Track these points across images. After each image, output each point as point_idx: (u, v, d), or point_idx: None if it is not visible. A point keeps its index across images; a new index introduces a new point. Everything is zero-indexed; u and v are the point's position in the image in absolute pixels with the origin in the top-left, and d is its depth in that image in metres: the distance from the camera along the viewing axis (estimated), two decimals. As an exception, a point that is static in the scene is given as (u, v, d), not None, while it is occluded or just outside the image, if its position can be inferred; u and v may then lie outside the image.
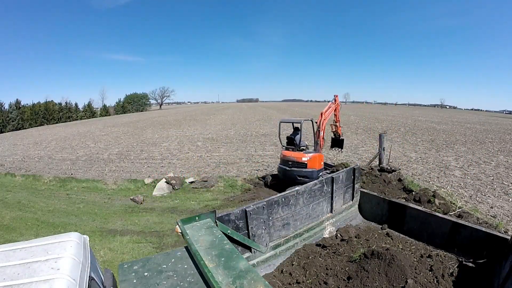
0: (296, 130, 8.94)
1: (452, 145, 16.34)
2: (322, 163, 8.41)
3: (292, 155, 8.33)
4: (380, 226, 5.30)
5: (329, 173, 8.14)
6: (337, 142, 10.59)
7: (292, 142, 8.77)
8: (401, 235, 4.90)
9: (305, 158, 8.05)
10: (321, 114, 8.70)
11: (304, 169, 8.11)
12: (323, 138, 8.74)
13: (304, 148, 8.69)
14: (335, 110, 9.42)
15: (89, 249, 2.30)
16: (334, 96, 9.42)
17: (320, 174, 8.14)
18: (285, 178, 8.51)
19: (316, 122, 8.67)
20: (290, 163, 8.28)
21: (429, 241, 4.52)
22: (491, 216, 6.65)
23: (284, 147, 8.96)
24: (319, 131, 8.56)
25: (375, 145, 14.86)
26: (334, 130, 10.30)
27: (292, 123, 9.45)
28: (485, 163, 11.96)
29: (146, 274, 2.58)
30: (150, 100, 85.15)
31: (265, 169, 11.66)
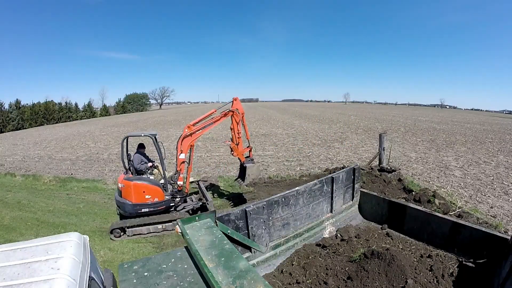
0: (139, 147, 7.13)
1: (452, 145, 16.34)
2: (149, 196, 6.19)
3: (118, 178, 6.63)
4: (380, 226, 5.30)
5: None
6: (241, 171, 7.83)
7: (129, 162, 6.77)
8: (401, 235, 4.89)
9: (120, 184, 6.32)
10: (186, 127, 6.68)
11: (118, 197, 6.41)
12: (183, 162, 6.74)
13: (143, 171, 6.69)
14: (232, 122, 7.07)
15: (89, 249, 2.30)
16: (232, 99, 7.20)
17: (146, 210, 6.26)
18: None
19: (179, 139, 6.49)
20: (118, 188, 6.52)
21: (429, 241, 4.52)
22: (491, 216, 6.65)
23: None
24: (180, 151, 6.64)
25: (375, 145, 14.87)
26: (233, 153, 7.53)
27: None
28: (485, 163, 11.96)
29: (146, 274, 2.58)
30: (150, 100, 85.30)
31: (265, 169, 11.66)
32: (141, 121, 38.68)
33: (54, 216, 7.99)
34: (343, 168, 8.47)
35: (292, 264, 4.20)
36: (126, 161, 6.76)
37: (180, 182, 6.81)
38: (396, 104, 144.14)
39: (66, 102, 55.99)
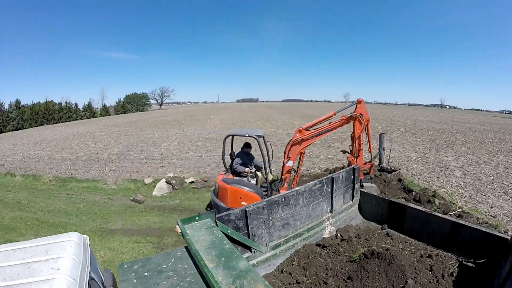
0: (244, 147, 6.57)
1: (452, 145, 16.34)
2: (245, 203, 5.42)
3: (217, 177, 6.24)
4: (380, 226, 5.30)
5: None
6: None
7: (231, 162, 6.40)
8: (401, 235, 4.89)
9: (217, 184, 5.91)
10: (297, 131, 5.75)
11: (214, 196, 6.01)
12: (290, 171, 6.05)
13: (246, 174, 6.10)
14: (354, 129, 6.04)
15: (89, 249, 2.30)
16: (357, 101, 6.15)
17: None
18: None
19: (288, 144, 5.75)
20: (216, 187, 6.13)
21: (429, 241, 4.52)
22: (491, 216, 6.65)
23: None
24: (287, 158, 5.86)
25: (375, 145, 14.85)
26: (351, 164, 6.20)
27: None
28: (485, 163, 11.96)
29: (146, 274, 2.58)
30: (150, 100, 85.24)
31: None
32: (141, 121, 38.68)
33: (54, 216, 7.99)
34: (343, 168, 8.47)
35: (292, 264, 4.20)
36: (226, 160, 6.41)
37: (283, 192, 5.66)
38: (396, 104, 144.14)
39: (66, 102, 56.01)
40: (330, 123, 5.95)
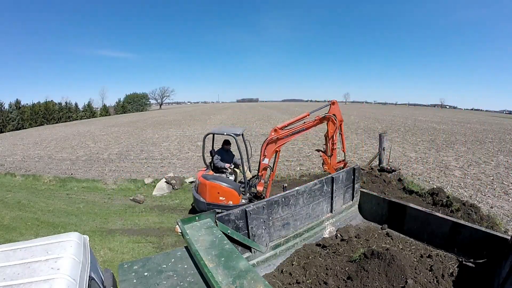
0: (224, 144, 6.94)
1: (452, 145, 16.34)
2: (223, 198, 5.92)
3: (197, 174, 6.46)
4: (380, 226, 5.30)
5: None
6: None
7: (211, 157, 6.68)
8: (401, 235, 4.89)
9: (197, 180, 6.20)
10: (272, 130, 6.01)
11: (194, 191, 6.28)
12: (266, 168, 6.31)
13: (226, 170, 6.44)
14: (328, 129, 6.29)
15: (89, 249, 2.30)
16: (330, 102, 6.35)
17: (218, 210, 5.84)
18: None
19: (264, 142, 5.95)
20: (196, 184, 6.33)
21: (429, 241, 4.52)
22: (491, 216, 6.64)
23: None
24: (263, 156, 6.10)
25: (375, 145, 14.86)
26: (325, 166, 6.67)
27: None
28: (485, 163, 11.96)
29: (146, 274, 2.58)
30: (150, 100, 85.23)
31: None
32: (141, 121, 38.68)
33: (54, 216, 7.99)
34: (343, 168, 8.46)
35: (292, 264, 4.20)
36: (206, 157, 6.89)
37: (259, 188, 6.26)
38: (396, 104, 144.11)
39: (66, 102, 56.02)
40: (304, 122, 6.13)
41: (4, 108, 42.69)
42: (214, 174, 6.33)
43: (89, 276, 1.99)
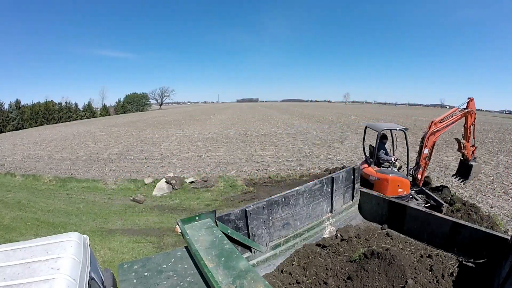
0: (382, 139, 6.93)
1: (452, 145, 16.33)
2: (401, 190, 6.13)
3: (364, 169, 6.59)
4: (380, 226, 5.30)
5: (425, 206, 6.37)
6: (463, 169, 7.37)
7: (371, 153, 7.02)
8: (401, 235, 4.90)
9: (372, 176, 6.27)
10: (431, 123, 6.50)
11: (370, 190, 6.25)
12: (426, 158, 6.75)
13: (388, 165, 6.69)
14: (466, 121, 6.87)
15: (89, 249, 2.30)
16: (468, 99, 6.80)
17: None
18: None
19: (424, 133, 6.61)
20: (362, 179, 6.43)
21: (429, 241, 4.53)
22: (491, 216, 6.64)
23: (365, 159, 7.24)
24: (422, 147, 6.61)
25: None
26: (462, 149, 7.21)
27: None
28: (485, 163, 11.97)
29: (146, 274, 2.58)
30: (150, 100, 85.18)
31: (265, 169, 11.66)
32: (141, 121, 38.69)
33: (54, 216, 7.99)
34: (343, 168, 8.47)
35: (292, 264, 4.20)
36: (368, 149, 7.21)
37: (419, 176, 6.94)
38: (396, 104, 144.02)
39: (66, 102, 56.02)
40: (452, 116, 6.83)
41: (4, 108, 42.70)
42: (382, 168, 6.59)
43: (89, 276, 1.99)
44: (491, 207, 7.26)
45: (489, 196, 8.06)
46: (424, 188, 7.15)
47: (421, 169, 6.89)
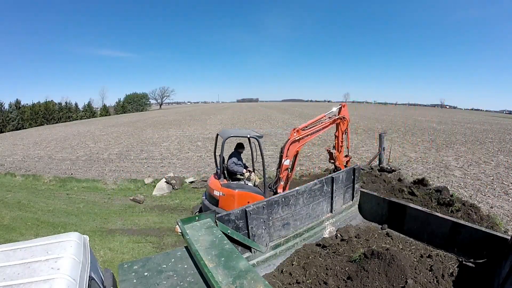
0: (238, 148, 6.26)
1: (452, 145, 16.34)
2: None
3: (209, 182, 5.92)
4: (380, 226, 5.30)
5: None
6: None
7: (221, 164, 5.86)
8: (401, 235, 4.90)
9: (217, 191, 5.48)
10: (294, 131, 5.85)
11: (210, 205, 5.62)
12: (288, 169, 5.99)
13: (240, 177, 5.93)
14: (337, 128, 6.69)
15: (89, 249, 2.30)
16: (340, 105, 6.78)
17: None
18: None
19: (283, 144, 5.83)
20: (209, 195, 5.87)
21: (429, 241, 4.53)
22: (491, 216, 6.64)
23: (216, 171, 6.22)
24: (281, 157, 5.85)
25: (375, 145, 14.86)
26: (333, 161, 7.02)
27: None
28: (485, 163, 11.96)
29: (146, 274, 2.58)
30: (150, 100, 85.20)
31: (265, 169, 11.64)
32: (141, 121, 38.68)
33: (54, 216, 7.99)
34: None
35: (292, 264, 4.20)
36: (218, 159, 5.92)
37: (279, 191, 5.92)
38: (396, 104, 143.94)
39: (66, 102, 56.04)
40: (321, 123, 6.42)
41: (4, 108, 42.71)
42: (231, 182, 5.72)
43: (89, 276, 1.99)
44: (491, 207, 7.26)
45: (489, 196, 8.06)
46: None
47: (282, 183, 5.99)
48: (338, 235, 4.96)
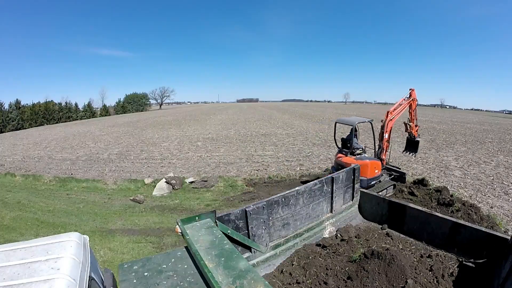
0: (352, 132, 7.84)
1: (452, 145, 16.34)
2: (377, 171, 7.40)
3: (343, 160, 7.42)
4: (380, 226, 5.30)
5: (390, 178, 7.99)
6: (411, 145, 9.31)
7: (346, 145, 7.96)
8: (401, 235, 4.89)
9: (354, 164, 6.78)
10: (388, 113, 7.74)
11: None
12: (387, 141, 7.99)
13: (360, 152, 7.70)
14: (410, 107, 8.36)
15: (89, 249, 2.30)
16: (410, 90, 8.27)
17: (373, 182, 7.35)
18: None
19: (382, 122, 7.82)
20: (340, 168, 7.09)
21: (429, 241, 4.52)
22: (491, 216, 6.64)
23: (338, 150, 8.15)
24: (383, 132, 7.75)
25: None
26: (408, 130, 8.96)
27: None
28: (485, 163, 11.97)
29: (146, 274, 2.58)
30: (150, 100, 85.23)
31: (265, 169, 11.66)
32: (141, 121, 38.69)
33: (54, 216, 7.99)
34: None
35: (292, 264, 4.20)
36: (336, 140, 8.65)
37: (383, 156, 8.16)
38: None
39: (66, 102, 56.07)
40: (400, 105, 8.05)
41: (4, 108, 42.73)
42: (357, 155, 7.49)
43: (89, 276, 1.99)
44: (491, 207, 7.26)
45: (489, 196, 8.06)
46: (388, 166, 8.52)
47: (384, 151, 8.15)
48: (338, 235, 4.96)
